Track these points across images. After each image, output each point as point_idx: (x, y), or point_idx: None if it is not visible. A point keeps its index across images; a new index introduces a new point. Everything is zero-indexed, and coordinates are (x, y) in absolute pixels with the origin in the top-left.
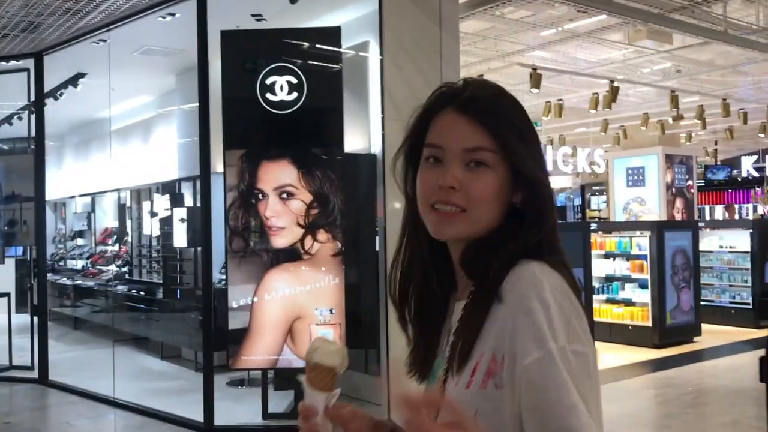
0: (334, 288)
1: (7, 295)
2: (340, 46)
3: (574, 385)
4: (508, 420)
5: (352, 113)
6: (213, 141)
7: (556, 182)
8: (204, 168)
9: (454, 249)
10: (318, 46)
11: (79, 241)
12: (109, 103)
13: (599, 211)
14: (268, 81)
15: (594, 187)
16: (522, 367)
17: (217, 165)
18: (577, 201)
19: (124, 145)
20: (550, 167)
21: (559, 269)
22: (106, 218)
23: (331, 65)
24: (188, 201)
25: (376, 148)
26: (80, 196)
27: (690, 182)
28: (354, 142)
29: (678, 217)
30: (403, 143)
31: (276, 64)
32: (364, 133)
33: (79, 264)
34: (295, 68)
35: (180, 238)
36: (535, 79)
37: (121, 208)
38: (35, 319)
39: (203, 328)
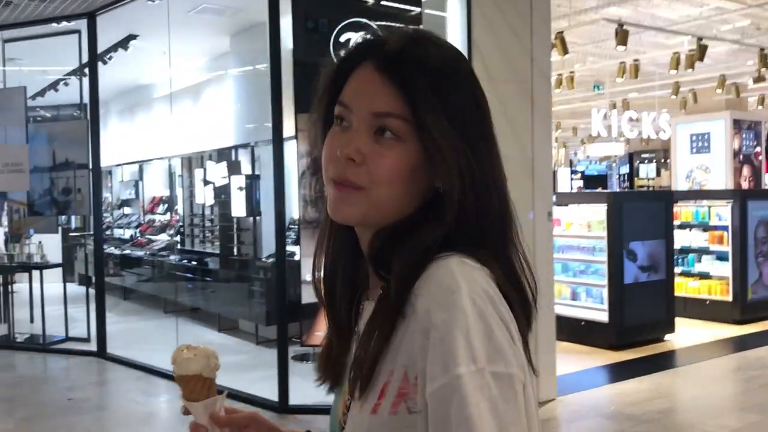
0: None
1: (61, 265)
2: (418, 4)
3: (492, 416)
4: None
5: None
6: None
7: (603, 150)
8: (276, 133)
9: (361, 238)
10: (394, 5)
11: (126, 210)
12: (169, 63)
13: (649, 179)
14: (342, 39)
15: (643, 155)
16: (428, 395)
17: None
18: (624, 169)
19: (174, 111)
20: (607, 133)
21: (493, 264)
22: (155, 187)
23: (407, 23)
24: (245, 169)
25: None
26: (127, 164)
27: (758, 149)
28: None
29: (745, 185)
30: (318, 100)
31: (350, 20)
32: None
33: (126, 233)
34: (371, 24)
35: (238, 207)
36: (621, 36)
37: (171, 176)
38: (89, 290)
39: (276, 301)
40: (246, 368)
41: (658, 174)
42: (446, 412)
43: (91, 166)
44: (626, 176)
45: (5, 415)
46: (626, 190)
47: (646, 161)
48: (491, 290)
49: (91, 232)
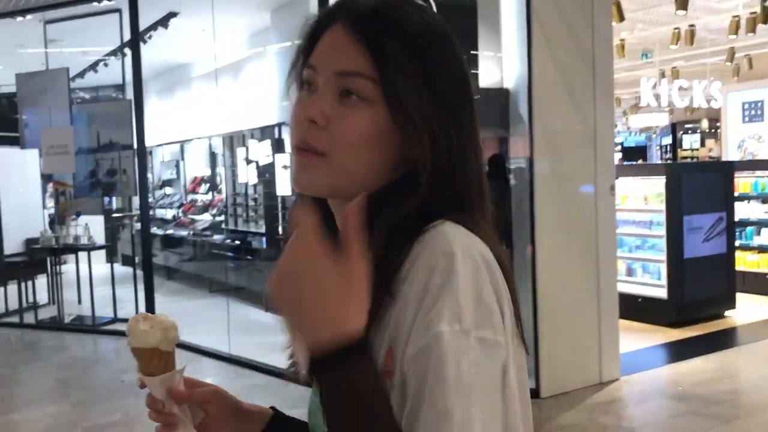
0: None
1: (108, 246)
2: None
3: (470, 382)
4: None
5: (483, 44)
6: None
7: (646, 121)
8: None
9: (336, 213)
10: None
11: (167, 190)
12: (214, 38)
13: (693, 150)
14: None
15: (687, 125)
16: (406, 360)
17: None
18: (666, 140)
19: (214, 89)
20: (656, 103)
21: (481, 232)
22: (196, 166)
23: None
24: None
25: (509, 83)
26: (167, 144)
27: None
28: (484, 77)
29: None
30: (292, 65)
31: None
32: (494, 67)
33: (168, 213)
34: None
35: (284, 185)
36: (681, 0)
37: (212, 156)
38: (136, 270)
39: None
40: None
41: (702, 144)
42: (422, 374)
43: (135, 147)
44: (668, 147)
45: (61, 397)
46: (669, 161)
47: (690, 132)
48: (487, 255)
49: (133, 213)
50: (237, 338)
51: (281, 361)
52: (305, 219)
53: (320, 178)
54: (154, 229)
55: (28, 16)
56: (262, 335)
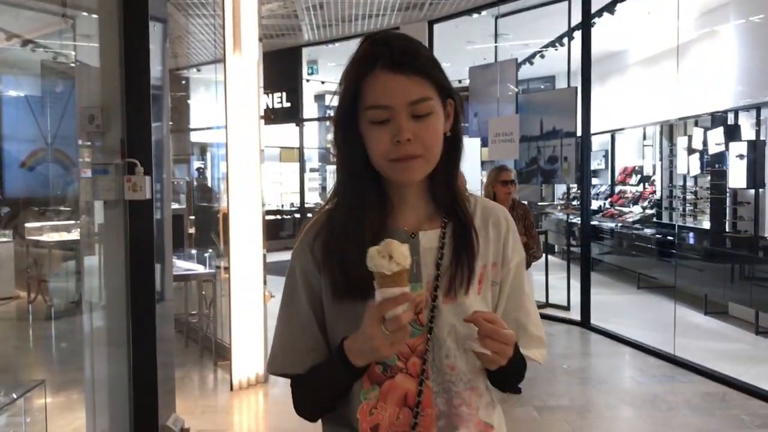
0: None
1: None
2: None
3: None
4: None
5: None
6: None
7: None
8: None
9: (408, 190)
10: None
11: (594, 181)
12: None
13: None
14: None
15: None
16: (512, 265)
17: None
18: None
19: (653, 75)
20: None
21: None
22: (626, 156)
23: None
24: (747, 134)
25: None
26: (596, 134)
27: None
28: None
29: None
30: (339, 109)
31: None
32: None
33: (594, 204)
34: None
35: (736, 177)
36: None
37: (646, 146)
38: (569, 260)
39: None
40: (742, 359)
41: None
42: (521, 274)
43: (579, 134)
44: None
45: None
46: None
47: None
48: None
49: (556, 203)
50: (680, 341)
51: (732, 371)
52: None
53: (423, 171)
54: (575, 219)
55: (483, 13)
56: (704, 340)
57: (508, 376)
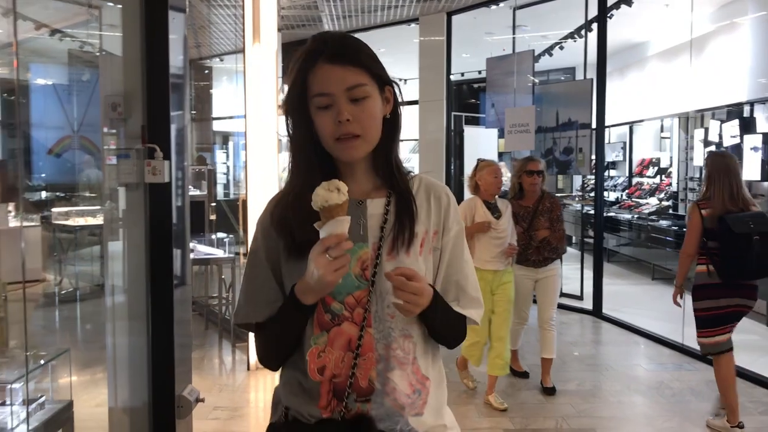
0: None
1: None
2: None
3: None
4: (433, 271)
5: None
6: None
7: None
8: None
9: (355, 166)
10: None
11: (611, 172)
12: (691, 8)
13: None
14: None
15: None
16: (452, 235)
17: None
18: None
19: (672, 67)
20: None
21: None
22: (643, 148)
23: None
24: (762, 126)
25: None
26: (614, 125)
27: None
28: None
29: None
30: (289, 97)
31: None
32: None
33: (611, 195)
34: None
35: (751, 169)
36: None
37: (663, 138)
38: (583, 250)
39: None
40: (752, 349)
41: None
42: (461, 242)
43: (594, 126)
44: None
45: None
46: None
47: None
48: None
49: (573, 193)
50: (689, 331)
51: (743, 361)
52: None
53: (363, 149)
54: (591, 211)
55: (501, 4)
56: None
57: (438, 328)
